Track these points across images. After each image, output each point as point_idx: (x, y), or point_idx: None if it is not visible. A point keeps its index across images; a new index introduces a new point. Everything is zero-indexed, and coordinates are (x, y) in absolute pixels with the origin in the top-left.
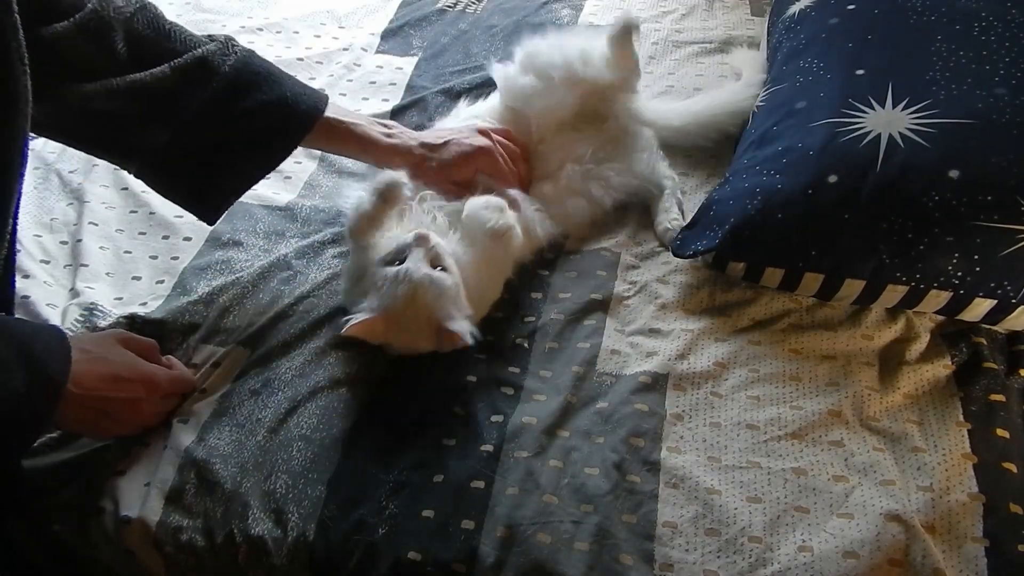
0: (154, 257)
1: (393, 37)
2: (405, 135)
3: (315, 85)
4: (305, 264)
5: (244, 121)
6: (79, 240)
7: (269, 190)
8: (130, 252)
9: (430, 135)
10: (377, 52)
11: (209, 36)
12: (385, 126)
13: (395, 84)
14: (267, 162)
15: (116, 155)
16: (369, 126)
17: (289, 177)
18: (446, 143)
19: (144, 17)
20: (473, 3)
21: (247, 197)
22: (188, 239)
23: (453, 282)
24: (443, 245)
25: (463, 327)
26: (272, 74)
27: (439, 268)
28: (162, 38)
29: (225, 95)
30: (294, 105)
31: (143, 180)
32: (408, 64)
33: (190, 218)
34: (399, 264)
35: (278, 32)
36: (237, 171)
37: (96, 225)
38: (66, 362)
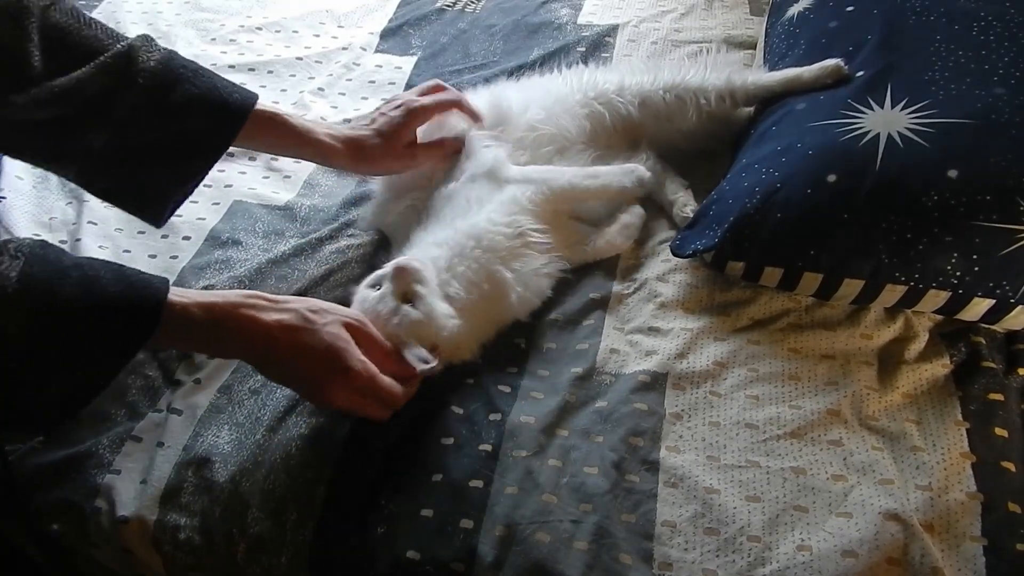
0: (153, 256)
1: (392, 36)
2: (336, 126)
3: (314, 84)
4: (303, 261)
5: (177, 114)
6: (78, 239)
7: (268, 189)
8: (129, 251)
9: (357, 120)
10: (376, 51)
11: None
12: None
13: (394, 83)
14: (207, 155)
15: (53, 162)
16: (301, 118)
17: (288, 176)
18: (374, 118)
19: (61, 7)
20: (472, 2)
21: (246, 196)
22: (187, 238)
23: (418, 317)
24: (425, 274)
25: (414, 356)
26: (199, 69)
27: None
28: (83, 26)
29: (154, 90)
30: (227, 96)
31: (82, 186)
32: (407, 63)
33: (188, 217)
34: (378, 288)
35: (277, 31)
36: (177, 166)
37: (95, 224)
38: (164, 281)
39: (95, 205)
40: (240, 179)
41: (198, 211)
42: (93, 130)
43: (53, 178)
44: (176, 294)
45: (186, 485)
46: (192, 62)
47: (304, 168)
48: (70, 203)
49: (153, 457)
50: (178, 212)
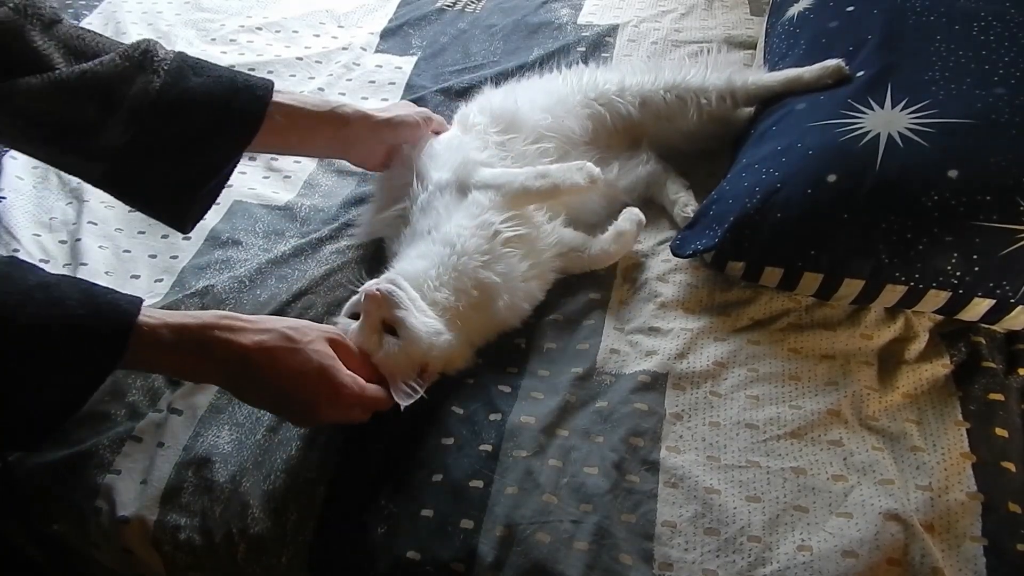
0: (153, 256)
1: (392, 36)
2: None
3: (314, 84)
4: (303, 261)
5: (205, 98)
6: (78, 239)
7: (268, 189)
8: (129, 251)
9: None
10: (376, 51)
11: None
12: None
13: (394, 83)
14: (233, 144)
15: (80, 157)
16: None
17: (288, 176)
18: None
19: (67, 22)
20: (472, 2)
21: (246, 196)
22: (187, 238)
23: (402, 347)
24: (400, 297)
25: (400, 392)
26: (210, 62)
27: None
28: (94, 33)
29: (179, 74)
30: (249, 79)
31: (107, 187)
32: (407, 63)
33: None
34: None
35: (277, 31)
36: (208, 154)
37: (95, 224)
38: (135, 302)
39: (95, 205)
40: (240, 179)
41: None
42: (118, 122)
43: (53, 178)
44: (147, 315)
45: (186, 485)
46: (204, 59)
47: (304, 168)
48: (70, 203)
49: (153, 457)
50: None
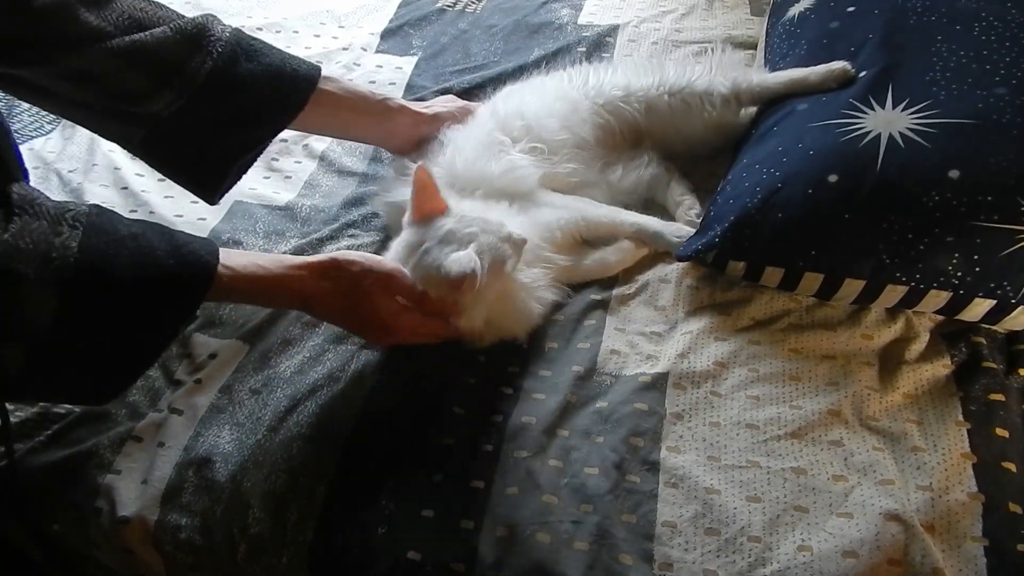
0: None
1: (393, 37)
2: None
3: None
4: None
5: (252, 84)
6: None
7: (269, 190)
8: None
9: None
10: (377, 52)
11: None
12: None
13: (395, 84)
14: (274, 123)
15: (122, 123)
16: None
17: (289, 177)
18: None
19: None
20: (472, 3)
21: (247, 197)
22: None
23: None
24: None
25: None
26: (264, 43)
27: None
28: (156, 5)
29: (231, 58)
30: (297, 68)
31: (142, 153)
32: (408, 64)
33: (190, 217)
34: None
35: (278, 32)
36: (243, 136)
37: None
38: (213, 252)
39: None
40: (240, 179)
41: (199, 211)
42: (168, 93)
43: (54, 178)
44: (224, 266)
45: (187, 485)
46: (258, 39)
47: (305, 168)
48: None
49: (154, 457)
50: (178, 212)
